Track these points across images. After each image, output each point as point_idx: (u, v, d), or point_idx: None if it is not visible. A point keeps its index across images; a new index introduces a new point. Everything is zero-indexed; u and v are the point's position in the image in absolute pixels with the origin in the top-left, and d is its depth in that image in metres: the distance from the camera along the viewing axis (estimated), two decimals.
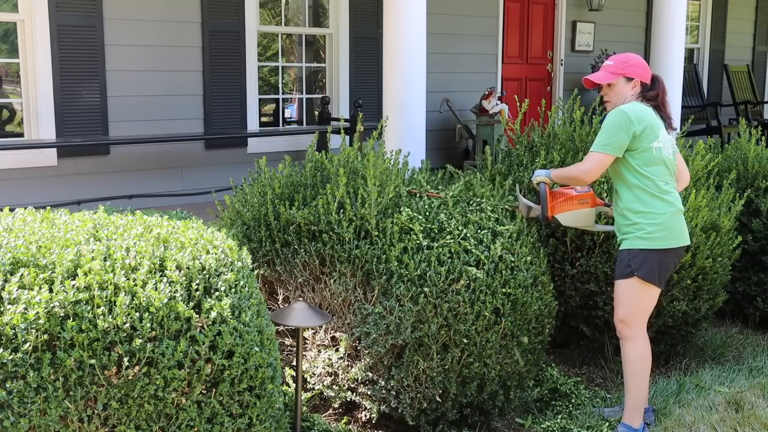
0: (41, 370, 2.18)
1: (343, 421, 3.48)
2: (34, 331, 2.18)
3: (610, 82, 3.49)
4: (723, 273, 4.27)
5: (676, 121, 3.55)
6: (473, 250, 3.29)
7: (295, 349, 3.50)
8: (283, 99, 7.80)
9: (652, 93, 3.48)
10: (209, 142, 6.92)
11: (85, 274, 2.30)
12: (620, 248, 3.45)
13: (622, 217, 3.44)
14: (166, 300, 2.33)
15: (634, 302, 3.41)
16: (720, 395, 3.91)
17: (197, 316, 2.39)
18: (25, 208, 2.90)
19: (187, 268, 2.46)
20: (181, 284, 2.40)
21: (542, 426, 3.53)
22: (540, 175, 3.62)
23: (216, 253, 2.59)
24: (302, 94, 7.97)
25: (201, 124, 6.89)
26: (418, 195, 3.60)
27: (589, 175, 3.42)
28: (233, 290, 2.51)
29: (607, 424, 3.55)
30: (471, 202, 3.62)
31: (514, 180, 4.25)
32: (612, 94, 3.52)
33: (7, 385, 2.17)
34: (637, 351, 3.45)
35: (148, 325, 2.28)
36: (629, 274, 3.37)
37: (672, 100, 6.57)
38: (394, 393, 3.30)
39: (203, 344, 2.35)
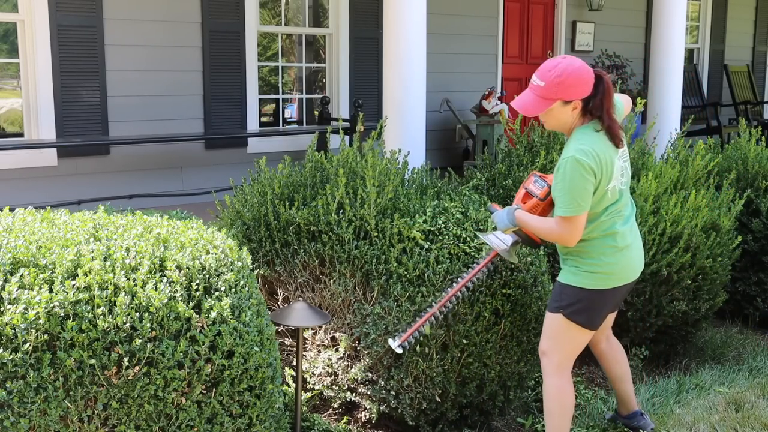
0: (41, 370, 2.18)
1: (343, 421, 3.49)
2: (34, 331, 2.18)
3: (545, 111, 2.90)
4: (723, 273, 4.27)
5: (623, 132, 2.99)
6: (472, 254, 3.29)
7: (295, 349, 3.51)
8: (283, 99, 7.80)
9: (594, 103, 2.87)
10: (209, 142, 6.92)
11: (85, 274, 2.30)
12: (557, 278, 3.05)
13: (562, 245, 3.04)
14: (166, 300, 2.33)
15: (557, 340, 3.03)
16: (720, 395, 3.91)
17: (197, 316, 2.39)
18: (25, 208, 2.90)
19: (187, 268, 2.46)
20: (181, 284, 2.40)
21: (542, 426, 3.52)
22: (506, 226, 3.05)
23: (216, 253, 2.59)
24: (302, 94, 7.97)
25: (201, 124, 6.89)
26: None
27: (574, 240, 2.88)
28: (233, 290, 2.51)
29: (605, 422, 3.55)
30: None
31: (513, 181, 4.25)
32: (549, 119, 2.94)
33: (7, 385, 2.17)
34: (553, 390, 3.04)
35: (148, 325, 2.28)
36: (556, 310, 3.00)
37: (672, 100, 6.61)
38: (393, 393, 3.30)
39: (203, 344, 2.35)
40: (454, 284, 3.16)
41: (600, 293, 2.96)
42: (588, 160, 2.80)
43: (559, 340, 3.03)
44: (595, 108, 2.87)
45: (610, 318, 3.29)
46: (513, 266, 3.33)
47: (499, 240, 3.09)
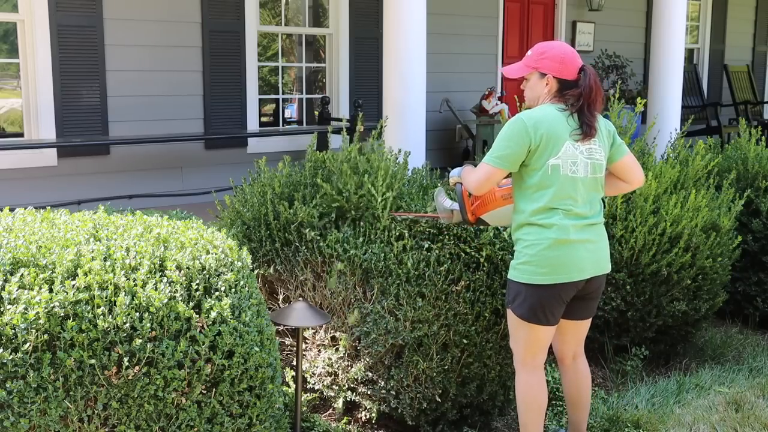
0: (41, 370, 2.18)
1: (343, 421, 3.49)
2: (34, 331, 2.18)
3: (523, 75, 3.01)
4: (723, 273, 4.27)
5: (604, 124, 3.00)
6: (473, 254, 3.29)
7: (295, 349, 3.51)
8: (283, 99, 7.80)
9: (573, 92, 2.89)
10: (209, 142, 6.92)
11: (85, 274, 2.30)
12: None
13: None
14: (166, 300, 2.33)
15: (514, 335, 3.02)
16: (720, 395, 3.91)
17: (197, 316, 2.39)
18: (25, 208, 2.90)
19: (187, 268, 2.46)
20: (181, 284, 2.40)
21: None
22: (454, 176, 3.12)
23: (216, 253, 2.59)
24: (302, 94, 7.97)
25: (201, 124, 6.89)
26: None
27: (477, 190, 2.95)
28: (233, 290, 2.51)
29: (604, 422, 3.55)
30: None
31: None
32: (527, 90, 3.02)
33: (7, 385, 2.17)
34: (520, 386, 3.04)
35: (148, 325, 2.28)
36: (507, 305, 3.01)
37: (672, 100, 6.60)
38: (393, 393, 3.30)
39: (203, 344, 2.35)
40: (401, 211, 3.37)
41: (539, 288, 2.87)
42: (528, 122, 2.85)
43: (516, 336, 3.02)
44: (572, 97, 2.89)
45: (580, 330, 3.16)
46: None
47: (445, 201, 3.18)
